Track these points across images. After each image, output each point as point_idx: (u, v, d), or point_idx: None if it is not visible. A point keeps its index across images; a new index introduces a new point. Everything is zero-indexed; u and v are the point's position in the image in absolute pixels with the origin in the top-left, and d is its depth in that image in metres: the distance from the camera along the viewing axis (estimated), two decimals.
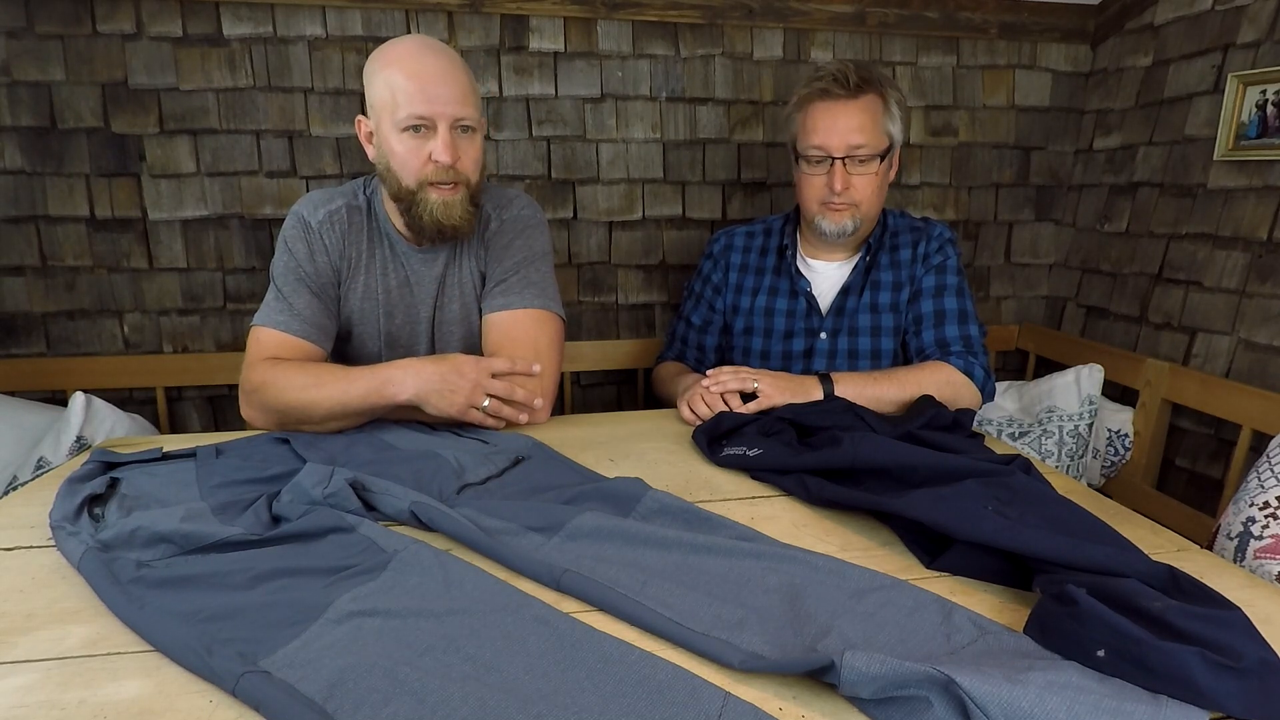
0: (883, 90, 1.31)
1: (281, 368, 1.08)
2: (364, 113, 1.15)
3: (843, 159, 1.29)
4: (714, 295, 1.50)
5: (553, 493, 0.90)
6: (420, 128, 1.08)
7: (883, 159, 1.31)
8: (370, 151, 1.15)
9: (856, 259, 1.40)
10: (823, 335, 1.40)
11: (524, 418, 1.11)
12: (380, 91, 1.08)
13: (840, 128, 1.28)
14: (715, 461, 1.04)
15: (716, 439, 1.09)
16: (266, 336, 1.13)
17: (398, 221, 1.19)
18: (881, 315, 1.38)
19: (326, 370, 1.08)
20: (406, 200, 1.12)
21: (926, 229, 1.39)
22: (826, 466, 0.93)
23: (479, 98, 1.14)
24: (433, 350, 1.27)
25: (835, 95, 1.29)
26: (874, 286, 1.39)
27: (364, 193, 1.23)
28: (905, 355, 1.40)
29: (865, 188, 1.31)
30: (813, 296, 1.41)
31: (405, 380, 1.04)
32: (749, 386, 1.18)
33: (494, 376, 1.08)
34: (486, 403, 1.07)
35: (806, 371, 1.37)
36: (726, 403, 1.18)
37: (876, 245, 1.39)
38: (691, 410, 1.20)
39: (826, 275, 1.43)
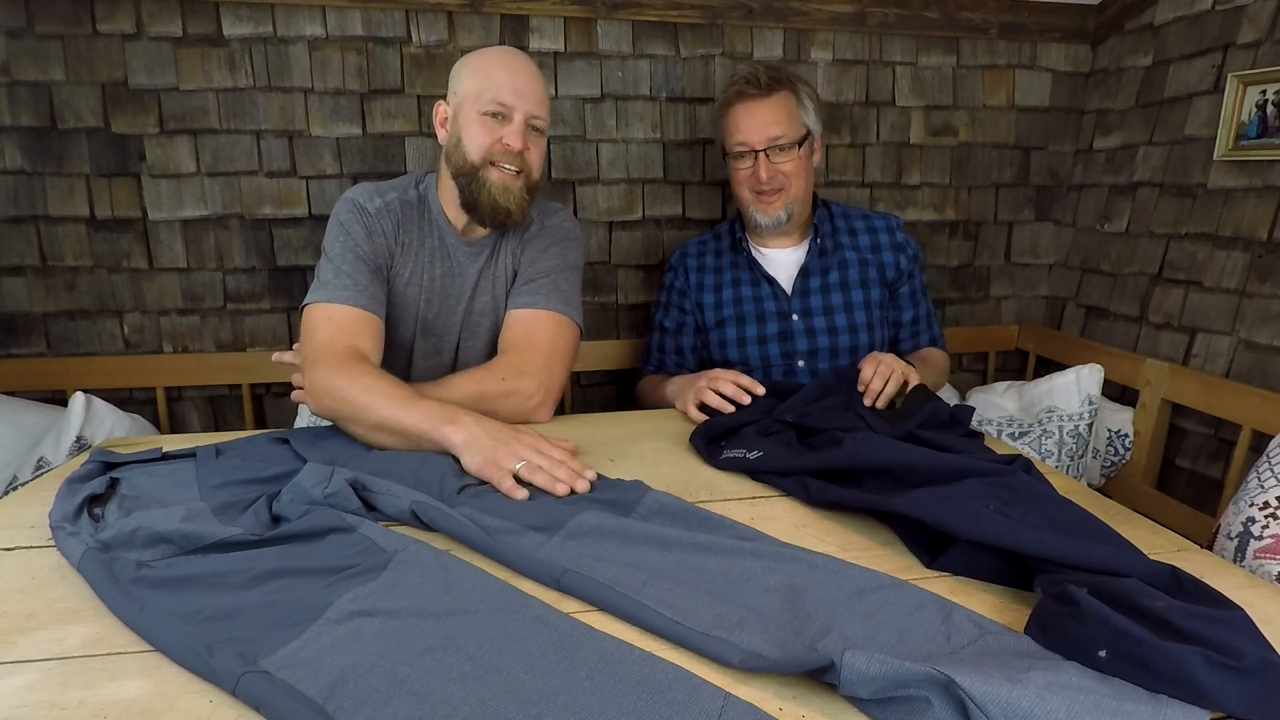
0: (794, 86, 1.44)
1: (362, 364, 1.07)
2: (444, 100, 1.25)
3: (764, 150, 1.41)
4: (680, 298, 1.58)
5: None
6: (499, 115, 1.18)
7: (800, 145, 1.43)
8: (441, 135, 1.25)
9: (806, 242, 1.51)
10: (794, 317, 1.48)
11: (561, 489, 0.92)
12: (468, 81, 1.19)
13: (758, 123, 1.41)
14: (715, 464, 1.03)
15: (715, 440, 1.09)
16: (334, 311, 1.13)
17: (451, 211, 1.26)
18: (851, 291, 1.49)
19: (401, 386, 1.05)
20: (468, 176, 1.19)
21: (883, 218, 1.56)
22: (828, 467, 0.93)
23: (549, 111, 1.26)
24: (461, 337, 1.31)
25: (750, 95, 1.42)
26: (840, 266, 1.49)
27: (416, 187, 1.29)
28: (893, 336, 1.57)
29: (790, 173, 1.43)
30: (774, 279, 1.49)
31: (463, 423, 0.99)
32: (760, 391, 1.19)
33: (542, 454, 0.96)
34: (520, 464, 0.94)
35: (787, 353, 1.47)
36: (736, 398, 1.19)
37: (828, 229, 1.50)
38: (701, 405, 1.21)
39: (781, 262, 1.52)
